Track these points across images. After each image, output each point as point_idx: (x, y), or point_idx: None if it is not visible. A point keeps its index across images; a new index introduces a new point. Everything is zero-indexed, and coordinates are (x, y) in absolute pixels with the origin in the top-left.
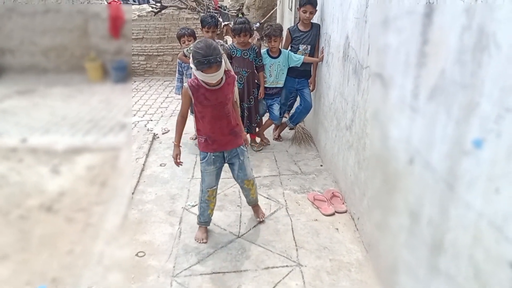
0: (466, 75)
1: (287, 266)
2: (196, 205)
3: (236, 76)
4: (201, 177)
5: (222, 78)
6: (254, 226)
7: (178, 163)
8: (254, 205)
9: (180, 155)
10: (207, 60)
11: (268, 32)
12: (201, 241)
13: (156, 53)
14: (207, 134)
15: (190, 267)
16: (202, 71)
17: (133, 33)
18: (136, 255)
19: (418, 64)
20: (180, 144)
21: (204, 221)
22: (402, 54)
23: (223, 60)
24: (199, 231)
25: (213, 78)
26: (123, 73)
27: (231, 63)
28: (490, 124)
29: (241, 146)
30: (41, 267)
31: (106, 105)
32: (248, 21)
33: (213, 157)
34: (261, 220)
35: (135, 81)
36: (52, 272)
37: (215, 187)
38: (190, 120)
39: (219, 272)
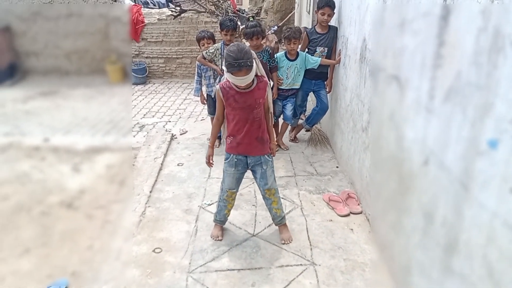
0: (481, 76)
1: (301, 265)
2: (212, 203)
3: (268, 82)
4: (222, 177)
5: (253, 81)
6: (269, 225)
7: (210, 164)
8: (281, 225)
9: (212, 157)
10: (237, 63)
11: (288, 34)
12: (217, 239)
13: (175, 56)
14: (234, 135)
15: (205, 263)
16: (232, 74)
17: (152, 36)
18: (153, 251)
19: (434, 65)
20: (200, 144)
21: (220, 220)
22: (419, 56)
23: (254, 64)
24: (214, 228)
25: (242, 81)
26: (142, 75)
27: None
28: (505, 124)
29: (266, 156)
30: (61, 261)
31: (126, 107)
32: (259, 24)
33: (236, 160)
34: (284, 242)
35: (154, 83)
36: (72, 266)
37: (234, 191)
38: (208, 121)
39: (234, 269)
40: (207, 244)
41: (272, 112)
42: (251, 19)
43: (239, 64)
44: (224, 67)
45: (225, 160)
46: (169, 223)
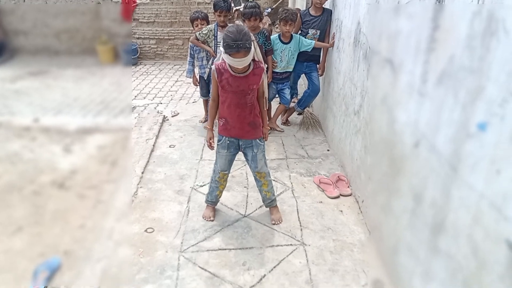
0: (474, 60)
1: (291, 245)
2: (204, 185)
3: (264, 68)
4: (215, 158)
5: (249, 66)
6: (260, 207)
7: (211, 147)
8: (271, 207)
9: (213, 139)
10: (236, 44)
11: (285, 16)
12: (208, 219)
13: (167, 37)
14: (227, 119)
15: (197, 243)
16: (230, 55)
17: (144, 17)
18: (145, 231)
19: (428, 49)
20: (192, 126)
21: (211, 200)
22: (413, 40)
23: (252, 46)
24: (206, 209)
25: (240, 63)
26: (133, 56)
27: None
28: (495, 107)
29: (258, 140)
30: (53, 240)
31: (117, 87)
32: (258, 6)
33: (228, 142)
34: (274, 223)
35: (145, 64)
36: (64, 245)
37: (226, 172)
38: (200, 103)
39: (225, 249)
40: (199, 224)
41: (267, 96)
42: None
43: (237, 46)
44: (221, 48)
45: (217, 142)
46: (161, 203)
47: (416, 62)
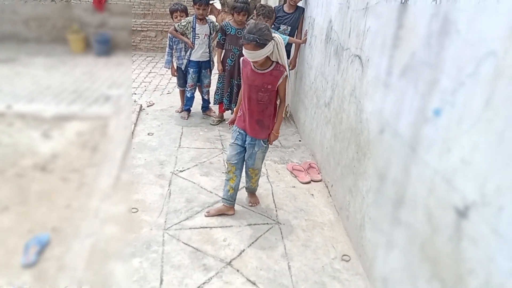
0: (431, 55)
1: (267, 224)
2: (183, 170)
3: (286, 73)
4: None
5: (270, 66)
6: (239, 190)
7: (231, 123)
8: (251, 193)
9: (234, 122)
10: (247, 36)
11: (263, 12)
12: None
13: (140, 29)
14: (243, 110)
15: (180, 222)
16: (243, 45)
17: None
18: (129, 211)
19: (393, 46)
20: (169, 116)
21: (224, 197)
22: (379, 37)
23: (270, 46)
24: (223, 208)
25: (249, 55)
26: (106, 46)
27: (223, 39)
28: (447, 96)
29: (262, 141)
30: (41, 218)
31: (90, 77)
32: (248, 2)
33: (238, 133)
34: (252, 205)
35: (118, 56)
36: (52, 223)
37: (233, 163)
38: (175, 94)
39: (206, 227)
40: (181, 205)
41: (288, 105)
42: None
43: (248, 38)
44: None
45: (232, 131)
46: (143, 186)
47: (382, 57)
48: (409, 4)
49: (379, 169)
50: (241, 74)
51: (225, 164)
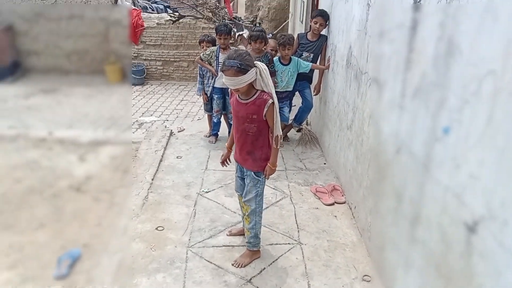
0: (439, 76)
1: (289, 244)
2: (209, 191)
3: (271, 101)
4: None
5: (253, 96)
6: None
7: (222, 163)
8: (247, 248)
9: (228, 159)
10: (227, 62)
11: (283, 41)
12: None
13: (172, 59)
14: (235, 142)
15: (203, 240)
16: (223, 72)
17: (151, 40)
18: (156, 229)
19: (405, 69)
20: (197, 140)
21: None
22: (394, 61)
23: (252, 73)
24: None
25: (229, 82)
26: (140, 76)
27: None
28: (455, 114)
29: (254, 174)
30: (73, 235)
31: (124, 105)
32: (264, 31)
33: (237, 164)
34: (233, 264)
35: (152, 84)
36: (83, 240)
37: (239, 194)
38: (204, 120)
39: (228, 246)
40: (205, 225)
41: (279, 134)
42: (258, 24)
43: (228, 64)
44: None
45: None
46: (170, 206)
47: (396, 80)
48: (418, 29)
49: (397, 188)
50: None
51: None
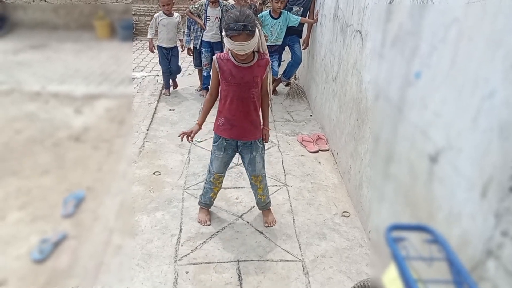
0: (414, 25)
1: (276, 186)
2: (202, 140)
3: (270, 62)
4: (210, 160)
5: (254, 57)
6: None
7: (187, 139)
8: (265, 210)
9: (195, 134)
10: (237, 26)
11: None
12: (205, 223)
13: None
14: (227, 116)
15: (197, 183)
16: (231, 38)
17: None
18: (153, 174)
19: (386, 20)
20: (189, 93)
21: (205, 203)
22: (376, 13)
23: (257, 32)
24: (201, 213)
25: (241, 47)
26: (129, 31)
27: None
28: (425, 59)
29: (257, 141)
30: (76, 179)
31: (115, 61)
32: None
33: (225, 143)
34: (268, 225)
35: (141, 40)
36: (86, 183)
37: (222, 174)
38: (195, 75)
39: (222, 187)
40: (199, 170)
41: (271, 95)
42: None
43: (238, 27)
44: (223, 33)
45: (213, 143)
46: (165, 154)
47: (378, 31)
48: None
49: (374, 132)
50: (219, 76)
51: (211, 174)
